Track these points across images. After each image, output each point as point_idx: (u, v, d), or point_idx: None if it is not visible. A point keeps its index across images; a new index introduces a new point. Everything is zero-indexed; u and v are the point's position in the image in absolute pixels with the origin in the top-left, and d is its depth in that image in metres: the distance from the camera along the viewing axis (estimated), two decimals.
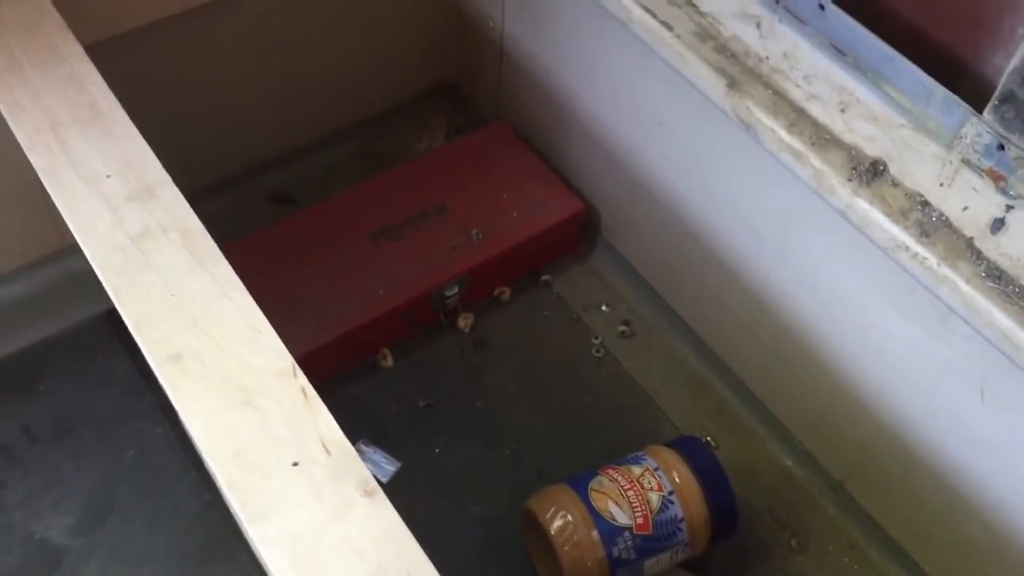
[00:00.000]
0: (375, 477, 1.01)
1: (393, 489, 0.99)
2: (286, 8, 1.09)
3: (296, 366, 0.62)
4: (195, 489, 0.97)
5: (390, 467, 1.02)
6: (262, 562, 0.56)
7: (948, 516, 0.87)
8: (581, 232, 1.19)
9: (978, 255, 0.71)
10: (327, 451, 0.59)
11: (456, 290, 1.09)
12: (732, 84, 0.82)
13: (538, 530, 0.90)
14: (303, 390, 0.61)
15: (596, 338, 1.13)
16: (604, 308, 1.15)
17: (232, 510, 0.58)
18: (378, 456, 1.02)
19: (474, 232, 1.11)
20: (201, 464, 0.96)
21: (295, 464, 0.58)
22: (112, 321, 1.05)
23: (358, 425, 1.04)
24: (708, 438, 1.06)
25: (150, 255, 0.66)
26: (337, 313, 1.04)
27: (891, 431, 0.89)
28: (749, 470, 1.04)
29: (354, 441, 1.01)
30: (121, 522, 0.96)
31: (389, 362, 1.09)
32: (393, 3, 1.18)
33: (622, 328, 1.14)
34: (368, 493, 0.57)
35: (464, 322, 1.12)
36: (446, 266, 1.09)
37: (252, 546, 0.57)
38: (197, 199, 0.71)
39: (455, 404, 1.06)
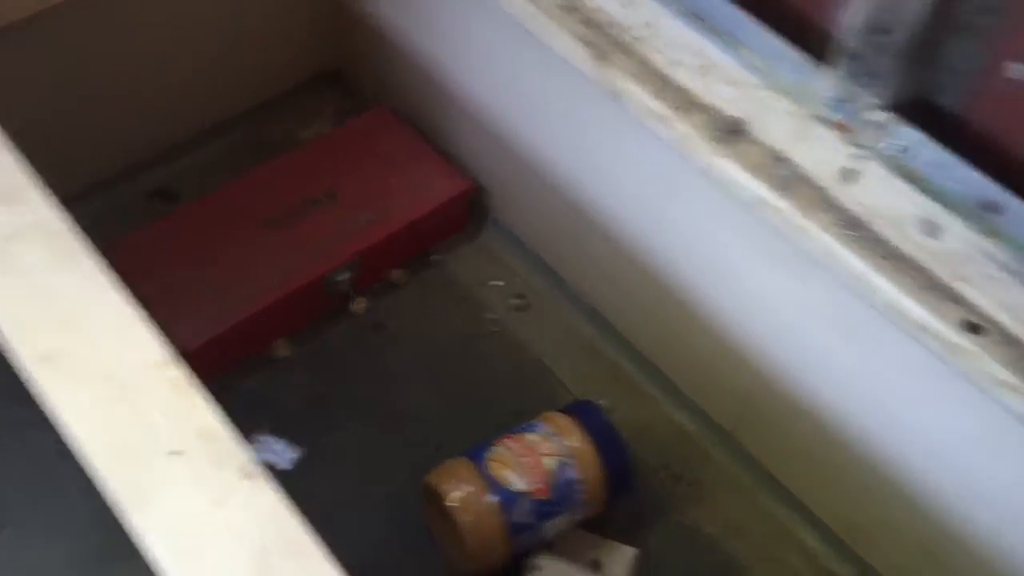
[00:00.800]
0: (276, 466, 1.01)
1: (295, 476, 1.00)
2: (160, 0, 1.08)
3: (172, 357, 0.62)
4: (88, 493, 0.95)
5: (291, 455, 1.01)
6: (144, 552, 0.56)
7: (826, 455, 0.91)
8: (470, 210, 1.20)
9: (833, 204, 0.75)
10: (205, 438, 0.59)
11: (348, 275, 1.10)
12: (599, 55, 0.84)
13: (439, 503, 0.91)
14: (179, 380, 0.61)
15: (490, 313, 1.14)
16: (497, 283, 1.17)
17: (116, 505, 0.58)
18: (279, 445, 1.02)
19: (363, 216, 1.12)
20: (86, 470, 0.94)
21: (173, 453, 0.58)
22: None
23: (258, 416, 1.04)
24: (604, 402, 1.08)
25: (16, 258, 0.65)
26: (228, 305, 1.04)
27: (770, 379, 0.93)
28: (645, 429, 1.06)
29: (254, 432, 1.03)
30: (16, 533, 0.94)
31: (284, 352, 1.09)
32: None
33: (515, 302, 1.15)
34: (248, 476, 0.58)
35: (358, 306, 1.13)
36: (337, 251, 1.09)
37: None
38: (77, 199, 0.70)
39: (354, 388, 1.07)
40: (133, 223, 1.09)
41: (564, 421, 0.95)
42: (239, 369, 1.06)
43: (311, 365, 1.08)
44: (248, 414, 1.03)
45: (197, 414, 0.60)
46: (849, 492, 0.93)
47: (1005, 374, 0.67)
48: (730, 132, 0.79)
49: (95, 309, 0.63)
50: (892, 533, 0.91)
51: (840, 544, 0.97)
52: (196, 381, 0.61)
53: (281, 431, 1.03)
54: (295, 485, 1.00)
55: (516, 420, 1.00)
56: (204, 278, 1.05)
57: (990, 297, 0.68)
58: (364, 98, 1.28)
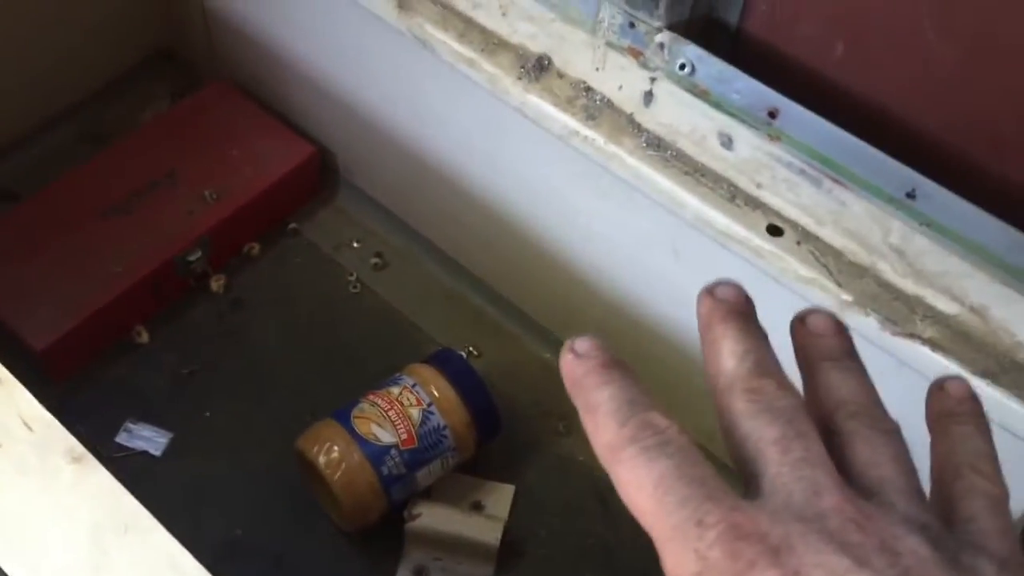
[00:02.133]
0: (149, 452, 1.01)
1: (169, 459, 1.00)
2: None
3: None
4: None
5: (162, 439, 1.02)
6: None
7: (680, 371, 0.94)
8: (320, 175, 1.20)
9: (638, 128, 0.77)
10: (29, 428, 0.59)
11: (200, 254, 1.09)
12: (401, 3, 0.84)
13: (310, 467, 0.93)
14: None
15: (351, 275, 1.15)
16: (355, 244, 1.18)
17: None
18: (148, 432, 1.02)
19: (207, 193, 1.11)
20: None
21: None
22: None
23: (123, 405, 1.03)
24: (471, 348, 1.11)
25: None
26: (78, 298, 1.02)
27: (619, 307, 0.96)
28: (512, 369, 1.09)
29: (122, 421, 1.02)
30: None
31: (145, 338, 1.08)
32: None
33: (375, 260, 1.16)
34: (76, 459, 0.58)
35: (216, 284, 1.12)
36: (185, 232, 1.08)
37: None
38: None
39: (219, 366, 1.07)
40: None
41: (426, 371, 0.97)
42: (100, 360, 1.05)
43: (172, 348, 1.08)
44: (115, 403, 1.04)
45: (20, 405, 0.60)
46: (702, 398, 0.96)
47: (804, 269, 0.71)
48: (536, 68, 0.80)
49: None
50: None
51: (710, 458, 1.02)
52: (11, 376, 0.61)
53: (150, 417, 1.03)
54: (170, 468, 1.01)
55: (385, 376, 1.01)
56: (50, 274, 1.03)
57: (785, 199, 0.72)
58: (200, 76, 1.27)
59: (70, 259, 1.05)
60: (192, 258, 1.09)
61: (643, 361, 1.00)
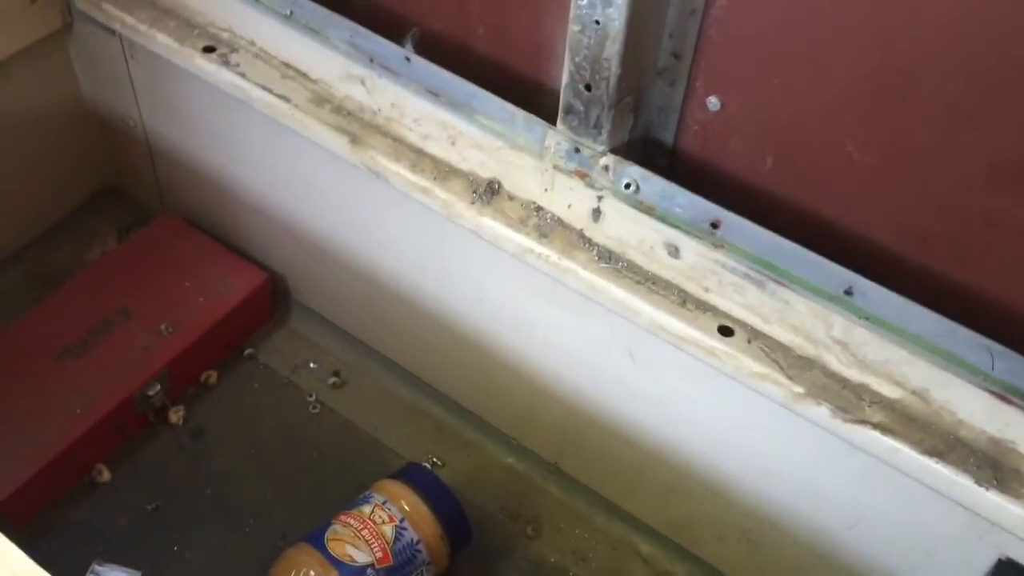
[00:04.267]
0: None
1: None
2: None
3: None
4: None
5: None
6: None
7: (638, 464, 0.98)
8: (272, 300, 1.22)
9: (589, 243, 0.82)
10: None
11: (158, 387, 1.10)
12: (354, 139, 0.89)
13: None
14: None
15: (310, 396, 1.17)
16: (312, 365, 1.20)
17: None
18: (116, 572, 1.01)
19: (163, 326, 1.12)
20: None
21: None
22: None
23: (88, 547, 1.02)
24: (435, 459, 1.13)
25: None
26: (35, 444, 1.02)
27: (578, 408, 1.00)
28: (477, 477, 1.11)
29: (88, 564, 1.01)
30: None
31: (106, 476, 1.07)
32: (26, 123, 1.17)
33: (333, 380, 1.18)
34: None
35: (176, 416, 1.13)
36: (142, 367, 1.09)
37: None
38: None
39: (184, 499, 1.07)
40: None
41: (395, 487, 0.98)
42: (62, 502, 1.05)
43: (135, 484, 1.07)
44: (80, 545, 1.03)
45: (14, 564, 0.61)
46: (663, 494, 1.00)
47: (756, 366, 0.75)
48: (488, 192, 0.85)
49: None
50: (710, 524, 0.99)
51: (671, 544, 1.05)
52: None
53: (118, 557, 1.01)
54: None
55: (353, 494, 1.02)
56: (6, 421, 1.03)
57: (733, 301, 0.77)
58: (146, 210, 1.29)
59: (26, 404, 1.05)
60: (151, 392, 1.09)
61: (603, 458, 1.04)
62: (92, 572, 1.00)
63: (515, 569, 1.05)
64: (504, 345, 1.02)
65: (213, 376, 1.17)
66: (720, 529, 0.98)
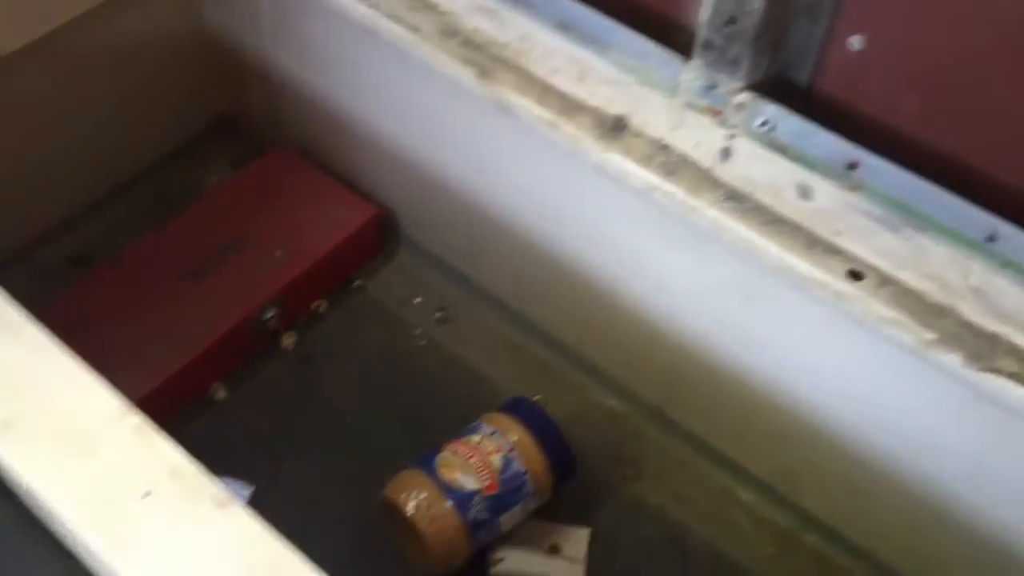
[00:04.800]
0: None
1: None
2: (51, 70, 1.10)
3: (128, 405, 0.65)
4: (53, 559, 0.97)
5: (244, 492, 1.04)
6: None
7: (747, 411, 0.98)
8: (382, 234, 1.24)
9: (716, 182, 0.82)
10: (174, 477, 0.63)
11: (273, 312, 1.13)
12: (482, 72, 0.89)
13: (397, 515, 0.95)
14: (138, 426, 0.65)
15: (417, 329, 1.19)
16: (419, 300, 1.22)
17: (92, 557, 0.61)
18: (232, 484, 1.05)
19: (277, 254, 1.15)
20: (54, 533, 0.96)
21: (146, 495, 0.61)
22: None
23: (205, 460, 1.06)
24: (538, 396, 1.14)
25: None
26: (159, 359, 1.06)
27: (688, 351, 1.00)
28: (579, 417, 1.12)
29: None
30: None
31: (222, 395, 1.11)
32: (152, 49, 1.20)
33: (439, 315, 1.20)
34: (221, 505, 0.62)
35: (288, 341, 1.16)
36: (258, 292, 1.12)
37: None
38: None
39: (295, 422, 1.10)
40: (53, 293, 1.10)
41: (503, 419, 1.00)
42: (181, 417, 1.09)
43: (250, 404, 1.11)
44: (198, 458, 1.07)
45: (162, 455, 0.64)
46: (771, 441, 1.00)
47: (886, 311, 0.74)
48: (614, 128, 0.85)
49: (43, 373, 0.66)
50: (816, 473, 0.98)
51: (774, 493, 1.05)
52: (155, 425, 0.64)
53: (232, 472, 1.05)
54: None
55: (457, 426, 1.05)
56: (132, 336, 1.07)
57: (865, 245, 0.76)
58: (262, 141, 1.32)
59: (150, 322, 1.09)
60: (266, 316, 1.12)
61: (710, 403, 1.04)
62: None
63: (616, 507, 1.06)
64: (616, 286, 1.02)
65: (323, 306, 1.20)
66: (826, 479, 0.97)
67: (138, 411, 0.65)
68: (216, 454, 1.08)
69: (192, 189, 1.29)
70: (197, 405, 1.10)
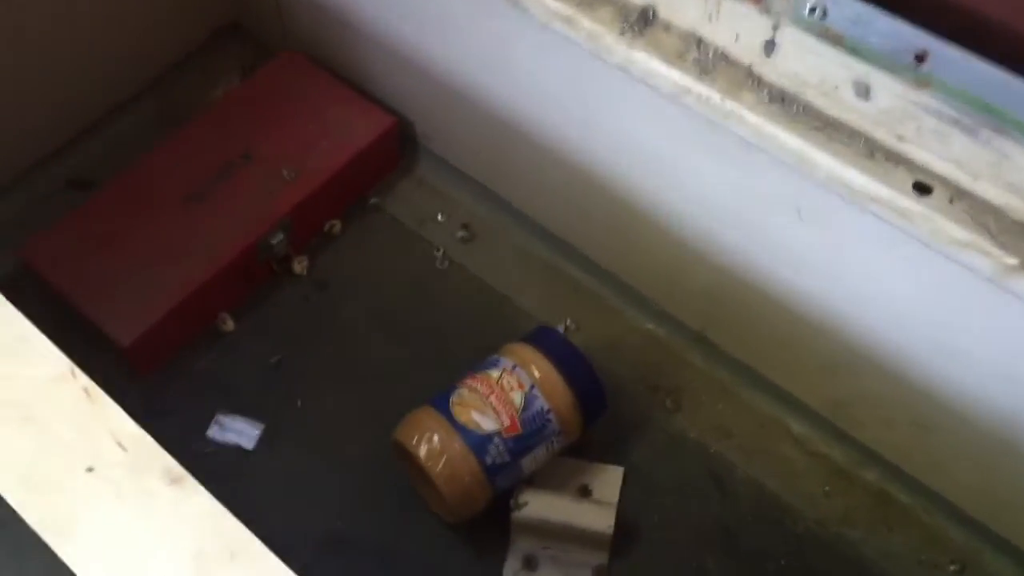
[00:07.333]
0: (242, 446, 0.98)
1: (262, 451, 0.97)
2: None
3: (74, 367, 0.58)
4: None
5: (254, 431, 0.98)
6: None
7: (796, 337, 0.88)
8: (399, 146, 1.14)
9: (759, 81, 0.70)
10: (122, 448, 0.55)
11: (281, 236, 1.05)
12: None
13: (410, 459, 0.88)
14: (86, 390, 0.57)
15: (438, 250, 1.10)
16: (440, 218, 1.12)
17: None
18: (239, 424, 0.99)
19: (285, 172, 1.06)
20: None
21: (89, 469, 0.54)
22: None
23: (212, 397, 1.00)
24: (570, 322, 1.05)
25: None
26: (162, 289, 0.99)
27: (730, 271, 0.89)
28: (614, 343, 1.03)
29: (211, 414, 0.99)
30: None
31: (230, 326, 1.04)
32: None
33: (462, 234, 1.11)
34: (174, 480, 0.54)
35: (300, 266, 1.08)
36: (265, 214, 1.04)
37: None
38: None
39: (307, 353, 1.03)
40: (56, 216, 1.04)
41: (525, 351, 0.91)
42: (187, 351, 1.02)
43: (259, 335, 1.04)
44: (206, 394, 1.01)
45: (112, 423, 0.56)
46: (825, 371, 0.90)
47: (959, 231, 0.63)
48: (640, 21, 0.73)
49: None
50: (875, 406, 0.88)
51: (828, 426, 0.95)
52: (101, 391, 0.57)
53: (241, 408, 0.99)
54: (264, 461, 0.97)
55: (481, 356, 0.96)
56: (131, 265, 1.00)
57: (934, 152, 0.64)
58: (269, 48, 1.22)
59: (150, 248, 1.01)
60: (274, 241, 1.04)
61: (756, 328, 0.94)
62: (216, 422, 0.99)
63: (651, 443, 0.97)
64: (651, 200, 0.91)
65: (337, 226, 1.11)
66: (888, 411, 0.87)
67: (84, 374, 0.57)
68: (224, 390, 1.02)
69: (197, 103, 1.20)
70: (205, 338, 1.03)
